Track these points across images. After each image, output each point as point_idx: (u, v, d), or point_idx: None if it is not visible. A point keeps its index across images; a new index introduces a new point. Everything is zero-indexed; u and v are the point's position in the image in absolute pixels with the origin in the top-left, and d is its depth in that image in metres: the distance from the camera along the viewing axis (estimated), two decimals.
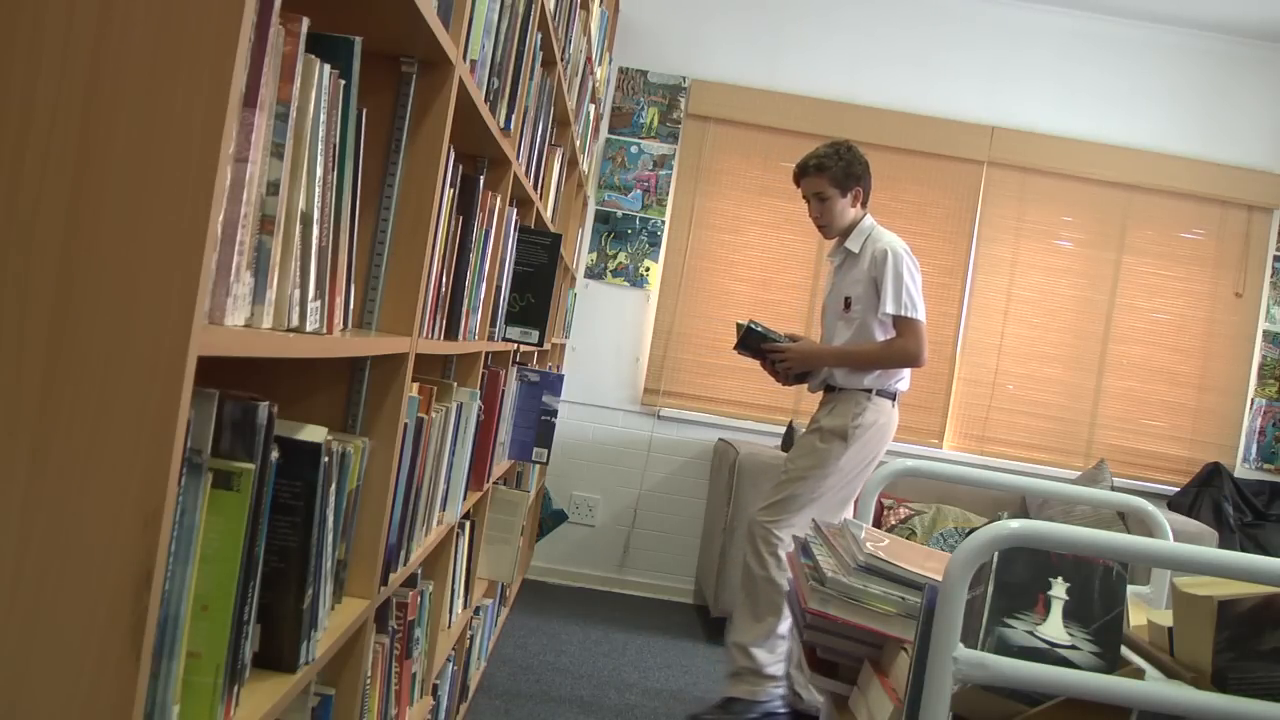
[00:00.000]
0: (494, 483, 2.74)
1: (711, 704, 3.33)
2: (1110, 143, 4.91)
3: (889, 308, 3.25)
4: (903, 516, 4.44)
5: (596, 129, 4.69)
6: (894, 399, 3.36)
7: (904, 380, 3.37)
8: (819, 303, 4.93)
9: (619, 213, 4.91)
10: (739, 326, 3.37)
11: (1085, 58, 4.92)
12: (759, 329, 3.35)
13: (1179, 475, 4.90)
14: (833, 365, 3.32)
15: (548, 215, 3.08)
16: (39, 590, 0.74)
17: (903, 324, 3.27)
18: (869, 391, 3.31)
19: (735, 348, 3.42)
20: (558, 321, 4.04)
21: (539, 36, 2.31)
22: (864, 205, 3.42)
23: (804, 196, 3.43)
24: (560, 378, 3.09)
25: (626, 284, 4.91)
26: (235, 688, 0.95)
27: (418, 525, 1.72)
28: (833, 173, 3.33)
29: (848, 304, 3.34)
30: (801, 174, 3.41)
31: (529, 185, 2.48)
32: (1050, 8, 4.91)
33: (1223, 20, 4.79)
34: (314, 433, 1.09)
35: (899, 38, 4.92)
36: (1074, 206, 4.95)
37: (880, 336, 3.30)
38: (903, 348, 3.27)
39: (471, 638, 2.90)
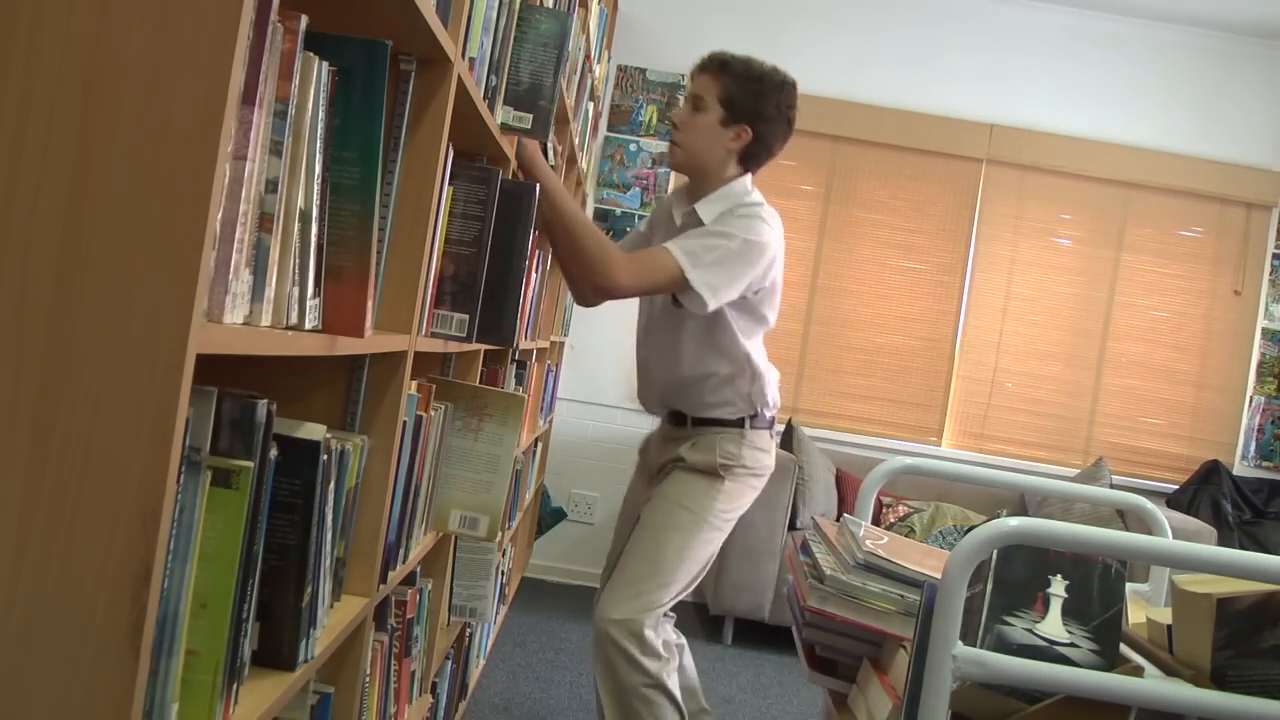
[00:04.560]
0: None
1: None
2: (1109, 140, 4.91)
3: (683, 249, 2.23)
4: (901, 514, 4.44)
5: (595, 127, 4.68)
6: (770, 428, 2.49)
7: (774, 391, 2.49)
8: (818, 301, 4.96)
9: (618, 210, 4.91)
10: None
11: (1084, 55, 4.92)
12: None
13: (1178, 473, 4.91)
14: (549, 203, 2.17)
15: None
16: (38, 588, 0.74)
17: (660, 259, 2.23)
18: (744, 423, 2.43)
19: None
20: (556, 319, 4.03)
21: None
22: (747, 167, 2.42)
23: (685, 95, 2.46)
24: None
25: None
26: (234, 685, 0.95)
27: (416, 523, 1.72)
28: (731, 88, 2.33)
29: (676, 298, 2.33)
30: (700, 68, 2.39)
31: None
32: (1049, 5, 4.91)
33: (1221, 18, 4.79)
34: (313, 430, 1.09)
35: (898, 35, 4.91)
36: (1073, 204, 4.96)
37: (746, 344, 2.40)
38: (622, 263, 2.21)
39: (470, 636, 2.90)
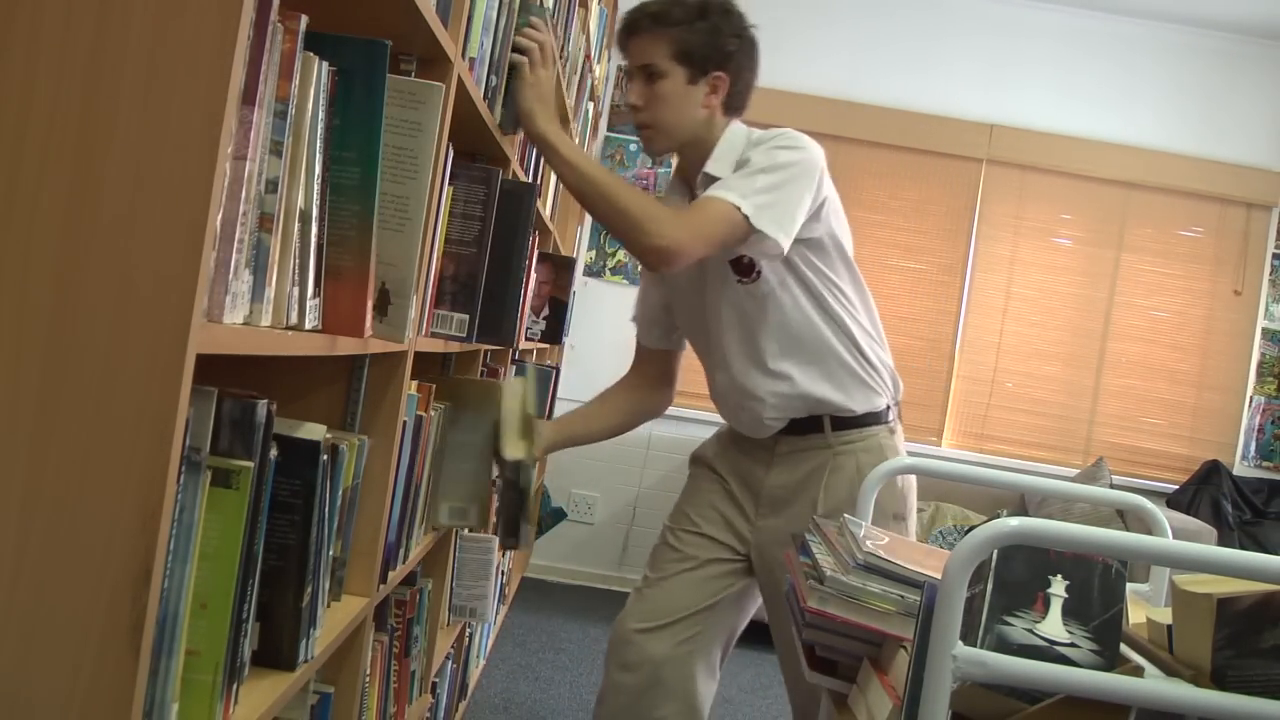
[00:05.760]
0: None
1: None
2: (1109, 140, 4.90)
3: (727, 189, 1.82)
4: None
5: (595, 127, 4.68)
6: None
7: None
8: None
9: None
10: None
11: (1084, 55, 4.92)
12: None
13: (1178, 473, 4.90)
14: (564, 171, 1.81)
15: (547, 213, 3.08)
16: (38, 588, 0.74)
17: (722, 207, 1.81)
18: (884, 416, 2.04)
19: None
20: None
21: None
22: (732, 109, 1.98)
23: (629, 70, 1.96)
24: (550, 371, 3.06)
25: (625, 282, 4.90)
26: (234, 685, 0.95)
27: (416, 523, 1.72)
28: (681, 39, 1.89)
29: (748, 268, 1.93)
30: (629, 31, 1.94)
31: None
32: (1049, 5, 4.90)
33: (1222, 18, 4.79)
34: (313, 430, 1.09)
35: (898, 35, 4.91)
36: (1073, 204, 4.95)
37: (849, 290, 2.08)
38: (674, 218, 1.82)
39: (470, 636, 2.91)
